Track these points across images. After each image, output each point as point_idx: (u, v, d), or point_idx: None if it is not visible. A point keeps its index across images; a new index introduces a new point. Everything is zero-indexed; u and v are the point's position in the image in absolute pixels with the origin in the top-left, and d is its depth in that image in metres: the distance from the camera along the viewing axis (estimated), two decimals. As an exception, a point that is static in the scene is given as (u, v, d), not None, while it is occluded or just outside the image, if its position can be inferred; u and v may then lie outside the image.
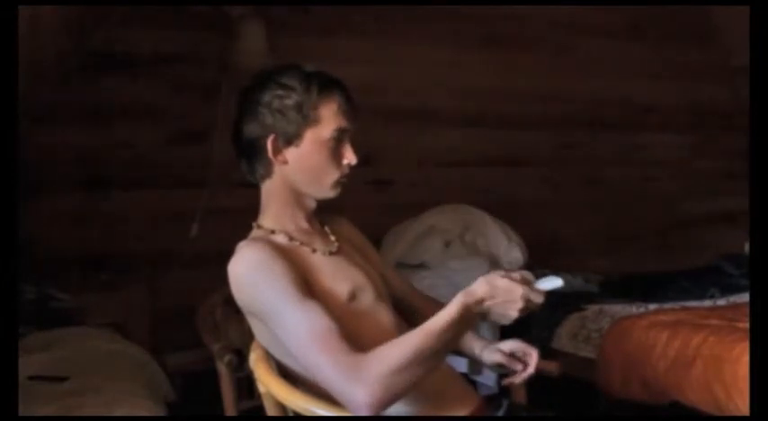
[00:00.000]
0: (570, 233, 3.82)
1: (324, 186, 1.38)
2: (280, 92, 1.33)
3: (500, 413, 1.50)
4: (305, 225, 1.40)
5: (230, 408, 1.69)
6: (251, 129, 1.35)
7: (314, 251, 1.37)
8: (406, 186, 3.39)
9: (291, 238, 1.37)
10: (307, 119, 1.33)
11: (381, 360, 1.15)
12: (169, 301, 2.67)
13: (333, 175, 1.38)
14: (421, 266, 3.01)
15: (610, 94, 3.94)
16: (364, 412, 1.14)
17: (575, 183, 3.91)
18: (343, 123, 1.35)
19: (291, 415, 1.28)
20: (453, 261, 2.95)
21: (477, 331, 2.29)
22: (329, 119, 1.34)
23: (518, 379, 1.47)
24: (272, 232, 1.37)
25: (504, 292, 1.22)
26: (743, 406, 2.08)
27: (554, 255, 3.57)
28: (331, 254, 1.39)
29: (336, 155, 1.37)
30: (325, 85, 1.35)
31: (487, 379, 2.55)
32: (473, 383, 2.25)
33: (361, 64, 3.15)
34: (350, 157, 1.38)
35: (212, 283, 1.61)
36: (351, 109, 1.37)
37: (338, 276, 1.34)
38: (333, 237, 1.44)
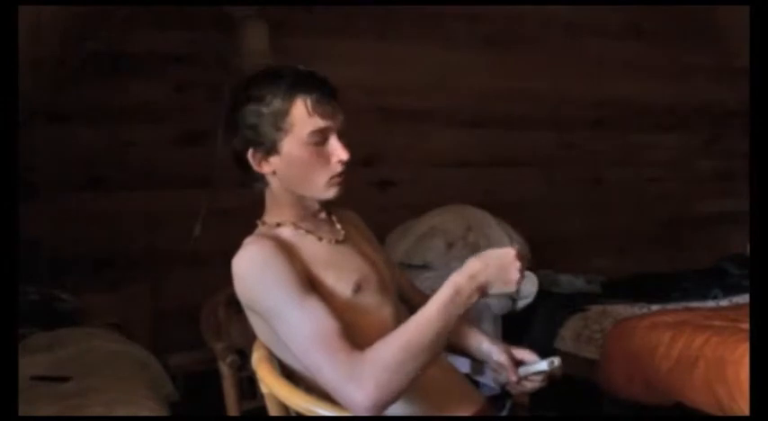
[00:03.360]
0: (572, 233, 3.81)
1: (317, 188, 1.34)
2: (251, 106, 1.30)
3: (504, 413, 1.49)
4: (310, 216, 1.40)
5: (233, 409, 1.68)
6: (235, 144, 1.35)
7: (320, 239, 1.37)
8: (407, 187, 3.39)
9: (297, 227, 1.37)
10: (279, 129, 1.30)
11: (374, 361, 1.15)
12: (171, 302, 2.67)
13: (324, 176, 1.33)
14: (423, 267, 3.00)
15: (610, 93, 3.94)
16: (364, 414, 1.14)
17: (576, 183, 3.91)
18: (319, 123, 1.30)
19: (294, 415, 1.28)
20: (456, 262, 2.94)
21: (480, 325, 2.28)
22: (302, 123, 1.30)
23: (513, 386, 1.45)
24: (278, 225, 1.37)
25: (496, 258, 1.24)
26: (745, 407, 2.08)
27: (555, 256, 3.57)
28: (337, 242, 1.38)
29: (323, 154, 1.32)
30: (292, 87, 1.30)
31: (490, 379, 2.54)
32: (476, 383, 2.25)
33: (363, 64, 3.16)
34: (338, 154, 1.32)
35: (215, 283, 1.60)
36: (326, 105, 1.30)
37: (344, 267, 1.33)
38: (339, 226, 1.43)
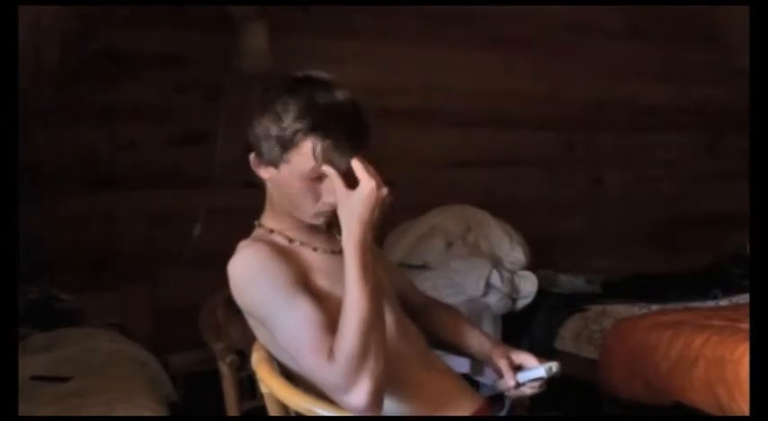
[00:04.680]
0: (571, 233, 3.81)
1: (303, 214, 1.34)
2: (266, 119, 1.27)
3: (503, 413, 1.50)
4: (305, 227, 1.40)
5: (232, 409, 1.68)
6: (248, 135, 1.34)
7: (315, 249, 1.37)
8: (407, 187, 3.35)
9: (291, 240, 1.37)
10: (281, 155, 1.28)
11: (346, 363, 1.17)
12: (171, 301, 2.67)
13: (310, 208, 1.31)
14: (423, 267, 3.00)
15: (611, 94, 3.94)
16: (363, 413, 1.17)
17: (576, 183, 3.91)
18: (317, 167, 1.26)
19: (293, 415, 1.28)
20: (455, 261, 2.95)
21: (480, 325, 2.28)
22: (304, 161, 1.26)
23: (510, 392, 1.44)
24: (271, 232, 1.37)
25: (357, 200, 1.24)
26: (745, 406, 2.08)
27: (555, 256, 3.57)
28: (333, 252, 1.37)
29: (315, 190, 1.29)
30: (314, 125, 1.24)
31: (490, 379, 2.54)
32: (475, 383, 2.25)
33: (361, 64, 3.15)
34: (326, 198, 1.29)
35: (214, 283, 1.60)
36: (335, 152, 1.25)
37: (339, 276, 1.31)
38: (339, 237, 1.40)
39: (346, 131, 1.27)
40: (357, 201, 1.24)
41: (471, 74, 3.49)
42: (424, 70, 3.37)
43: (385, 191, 1.26)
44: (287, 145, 1.26)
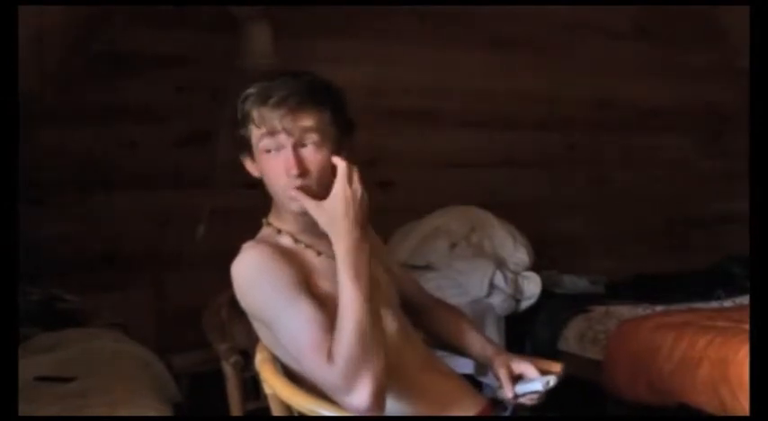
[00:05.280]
0: (575, 234, 3.81)
1: (282, 198, 1.34)
2: (235, 110, 1.33)
3: (507, 413, 1.49)
4: (310, 225, 1.39)
5: (236, 409, 1.69)
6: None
7: (319, 254, 1.36)
8: (409, 188, 3.38)
9: (296, 240, 1.36)
10: (245, 134, 1.32)
11: (345, 365, 1.17)
12: (175, 302, 2.67)
13: (282, 186, 1.32)
14: (427, 268, 2.99)
15: (612, 94, 3.94)
16: (365, 414, 1.17)
17: (578, 183, 3.90)
18: (264, 134, 1.29)
19: (297, 415, 1.28)
20: (459, 262, 2.94)
21: (482, 328, 2.27)
22: (254, 132, 1.30)
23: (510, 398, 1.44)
24: (279, 232, 1.37)
25: (334, 203, 1.27)
26: (748, 407, 2.08)
27: (559, 256, 3.56)
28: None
29: (275, 163, 1.31)
30: (256, 96, 1.29)
31: (493, 380, 2.54)
32: (479, 384, 2.25)
33: (364, 65, 3.15)
34: (287, 167, 1.29)
35: (218, 284, 1.60)
36: (272, 117, 1.28)
37: None
38: None
39: (288, 93, 1.28)
40: (332, 205, 1.26)
41: (471, 74, 3.49)
42: (424, 70, 3.37)
43: (357, 186, 1.28)
44: (244, 122, 1.31)
